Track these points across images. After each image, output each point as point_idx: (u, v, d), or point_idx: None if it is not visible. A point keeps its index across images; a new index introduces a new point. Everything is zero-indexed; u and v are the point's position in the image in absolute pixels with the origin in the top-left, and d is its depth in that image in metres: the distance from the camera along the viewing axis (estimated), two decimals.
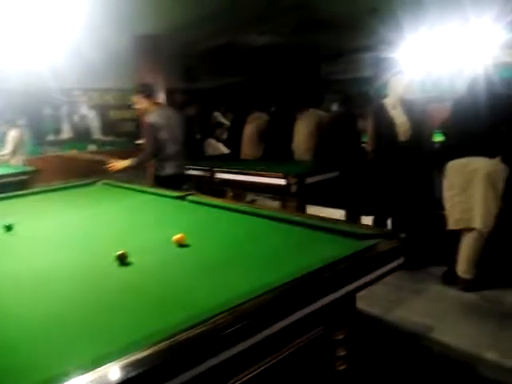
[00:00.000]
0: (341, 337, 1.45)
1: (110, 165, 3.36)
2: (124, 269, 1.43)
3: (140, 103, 3.49)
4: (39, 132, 7.24)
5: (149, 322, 1.04)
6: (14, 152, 5.86)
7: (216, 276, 1.33)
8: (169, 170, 3.49)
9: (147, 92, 3.53)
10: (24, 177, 4.21)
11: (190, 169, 4.22)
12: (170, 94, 6.43)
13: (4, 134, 6.31)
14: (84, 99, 7.65)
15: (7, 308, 1.19)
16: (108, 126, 7.91)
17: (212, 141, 5.96)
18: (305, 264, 1.30)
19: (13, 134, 5.91)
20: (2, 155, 5.75)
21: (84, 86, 7.62)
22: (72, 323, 1.08)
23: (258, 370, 1.13)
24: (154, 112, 3.47)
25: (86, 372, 0.81)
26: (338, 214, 3.98)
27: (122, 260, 1.45)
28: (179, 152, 3.55)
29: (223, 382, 1.02)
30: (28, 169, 4.70)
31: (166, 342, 0.89)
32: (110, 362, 0.84)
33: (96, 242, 1.81)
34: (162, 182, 3.42)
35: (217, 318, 1.01)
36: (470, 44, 5.34)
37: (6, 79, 6.23)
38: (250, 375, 1.10)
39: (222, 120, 6.58)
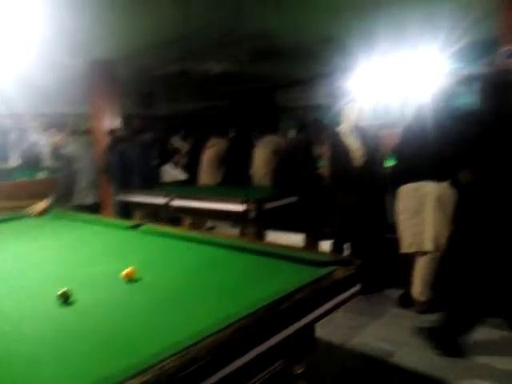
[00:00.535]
0: (300, 370, 1.40)
1: (30, 211, 3.17)
2: (66, 309, 1.31)
3: (54, 137, 3.55)
4: None
5: (90, 369, 0.94)
6: None
7: (166, 313, 1.25)
8: (92, 198, 3.59)
9: (57, 125, 3.59)
10: None
11: (145, 196, 4.09)
12: (126, 119, 6.30)
13: None
14: (35, 125, 7.35)
15: None
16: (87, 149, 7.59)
17: (168, 167, 5.86)
18: (262, 295, 1.26)
19: None
20: None
21: (35, 111, 7.32)
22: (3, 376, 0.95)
23: None
24: (70, 143, 3.55)
25: None
26: (297, 238, 3.97)
27: (64, 299, 1.33)
28: (95, 181, 3.72)
29: None
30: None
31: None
32: None
33: (36, 282, 1.64)
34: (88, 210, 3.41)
35: (166, 362, 0.93)
36: (418, 72, 5.68)
37: None
38: None
39: (179, 146, 6.52)
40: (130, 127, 6.26)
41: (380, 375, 2.33)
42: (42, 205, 3.22)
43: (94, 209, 3.55)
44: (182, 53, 5.80)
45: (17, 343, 1.11)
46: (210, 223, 5.34)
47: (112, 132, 5.77)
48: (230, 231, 4.69)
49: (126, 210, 4.48)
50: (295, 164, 4.02)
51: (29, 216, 3.11)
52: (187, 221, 4.52)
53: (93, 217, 2.92)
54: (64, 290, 1.35)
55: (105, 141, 5.62)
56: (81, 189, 3.53)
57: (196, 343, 1.00)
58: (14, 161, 6.91)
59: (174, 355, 0.95)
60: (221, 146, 5.62)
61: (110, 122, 5.98)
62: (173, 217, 4.03)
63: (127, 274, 1.52)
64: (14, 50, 4.60)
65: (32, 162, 6.64)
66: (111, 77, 6.04)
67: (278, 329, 1.18)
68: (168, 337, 1.05)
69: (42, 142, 7.13)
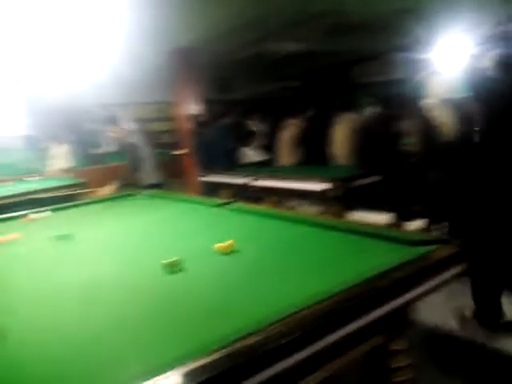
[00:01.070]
0: (397, 348, 1.38)
1: (100, 193, 3.62)
2: (172, 277, 1.42)
3: (117, 133, 4.15)
4: (82, 146, 7.54)
5: (201, 330, 1.02)
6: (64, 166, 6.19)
7: (267, 284, 1.30)
8: (156, 179, 4.10)
9: (118, 122, 4.21)
10: (72, 189, 4.38)
11: (228, 177, 4.24)
12: (207, 104, 6.54)
13: (47, 150, 6.65)
14: (124, 113, 7.94)
15: (57, 319, 1.20)
16: (149, 139, 8.14)
17: (247, 149, 5.98)
18: (359, 271, 1.25)
19: (62, 150, 6.23)
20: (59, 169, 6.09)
21: (123, 100, 7.89)
22: (123, 334, 1.06)
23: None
24: (134, 134, 4.17)
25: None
26: (383, 217, 3.84)
27: (170, 269, 1.45)
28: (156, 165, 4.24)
29: None
30: (76, 181, 4.88)
31: (223, 351, 0.87)
32: (164, 372, 0.82)
33: (143, 252, 1.82)
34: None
35: (271, 327, 0.98)
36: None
37: (48, 97, 6.52)
38: None
39: (256, 128, 6.61)
40: (211, 112, 6.49)
41: (482, 359, 2.20)
42: (110, 187, 3.64)
43: (159, 188, 3.91)
44: (257, 35, 5.82)
45: (131, 306, 1.24)
46: (288, 204, 5.38)
47: (195, 118, 6.05)
48: (310, 211, 4.68)
49: (210, 191, 4.70)
50: (378, 141, 3.87)
51: (125, 196, 3.42)
52: (268, 201, 4.60)
53: (183, 195, 3.10)
54: (171, 260, 1.47)
55: (188, 126, 5.89)
56: (146, 171, 4.04)
57: (297, 312, 1.04)
58: (105, 147, 7.56)
59: (277, 321, 0.99)
60: (298, 126, 5.60)
61: (192, 108, 6.25)
62: (254, 197, 4.12)
63: (225, 248, 1.60)
64: (101, 44, 4.97)
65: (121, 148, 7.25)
66: (191, 64, 6.27)
67: (378, 304, 1.17)
68: (271, 305, 1.09)
69: (134, 129, 7.72)
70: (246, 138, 6.30)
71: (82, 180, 4.81)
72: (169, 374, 0.82)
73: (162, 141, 8.67)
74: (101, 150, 7.47)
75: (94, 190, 3.91)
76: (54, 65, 5.33)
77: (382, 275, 1.24)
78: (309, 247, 1.66)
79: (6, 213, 3.02)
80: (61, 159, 6.40)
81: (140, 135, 4.25)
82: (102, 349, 1.00)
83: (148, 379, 0.80)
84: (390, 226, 3.27)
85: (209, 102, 6.73)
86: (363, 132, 4.33)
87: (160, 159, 4.50)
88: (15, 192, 4.30)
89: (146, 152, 4.16)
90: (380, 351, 1.34)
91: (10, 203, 3.88)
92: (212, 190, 4.69)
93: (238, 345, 0.90)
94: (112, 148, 7.59)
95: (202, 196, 3.56)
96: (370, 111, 5.67)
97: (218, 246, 1.61)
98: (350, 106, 5.50)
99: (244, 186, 4.00)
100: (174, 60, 6.25)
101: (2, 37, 4.44)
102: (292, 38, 6.29)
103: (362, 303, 1.14)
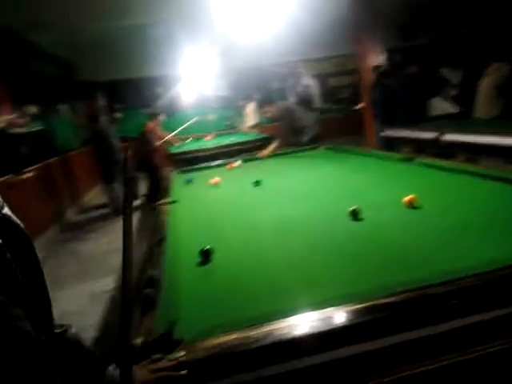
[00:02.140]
0: None
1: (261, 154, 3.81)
2: (357, 223, 1.50)
3: (269, 111, 4.38)
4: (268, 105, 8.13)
5: (387, 273, 1.07)
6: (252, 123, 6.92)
7: (454, 241, 1.24)
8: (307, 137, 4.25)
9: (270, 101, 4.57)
10: (260, 142, 4.88)
11: (412, 131, 3.98)
12: (389, 53, 6.13)
13: (241, 109, 7.44)
14: (305, 70, 8.17)
15: (262, 245, 1.43)
16: (327, 94, 8.25)
17: (437, 100, 5.41)
18: None
19: (250, 108, 6.93)
20: (249, 126, 6.88)
21: (305, 56, 8.07)
22: (311, 264, 1.20)
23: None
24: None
25: (338, 307, 0.88)
26: None
27: (355, 215, 1.52)
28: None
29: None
30: (263, 136, 5.42)
31: (412, 293, 0.90)
32: (352, 304, 0.88)
33: (328, 199, 1.95)
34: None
35: (462, 281, 0.95)
36: None
37: (239, 57, 7.12)
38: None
39: (449, 76, 5.89)
40: (392, 62, 6.07)
41: None
42: (270, 147, 3.84)
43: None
44: None
45: (318, 242, 1.37)
46: (483, 161, 4.74)
47: (376, 68, 5.76)
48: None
49: (388, 146, 4.51)
50: None
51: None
52: (457, 158, 4.15)
53: (364, 150, 3.10)
54: (354, 207, 1.54)
55: (369, 79, 5.68)
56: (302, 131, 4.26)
57: (490, 272, 0.97)
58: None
59: (469, 277, 0.96)
60: (502, 73, 4.74)
61: (374, 58, 5.96)
62: (441, 153, 3.78)
63: (409, 201, 1.58)
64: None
65: (305, 103, 7.49)
66: (373, 12, 5.91)
67: None
68: (460, 260, 1.06)
69: (313, 84, 7.90)
70: (433, 88, 5.70)
71: (266, 135, 5.31)
72: (350, 307, 0.88)
73: (342, 96, 8.63)
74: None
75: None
76: (245, 26, 5.74)
77: None
78: (497, 207, 1.49)
79: (209, 162, 3.68)
80: (250, 117, 7.11)
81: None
82: (294, 271, 1.16)
83: (339, 304, 0.90)
84: None
85: (390, 52, 6.29)
86: None
87: (338, 115, 4.54)
88: (216, 145, 5.13)
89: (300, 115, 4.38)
90: None
91: (212, 154, 4.65)
92: (392, 145, 4.49)
93: (430, 291, 0.91)
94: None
95: (382, 151, 3.46)
96: None
97: (405, 199, 1.59)
98: None
99: (429, 141, 3.70)
100: (356, 9, 5.98)
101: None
102: None
103: None
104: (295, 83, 7.84)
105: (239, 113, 7.83)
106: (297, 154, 3.60)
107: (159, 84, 8.05)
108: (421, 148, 3.90)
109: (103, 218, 5.10)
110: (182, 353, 0.74)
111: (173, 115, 7.64)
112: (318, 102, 7.86)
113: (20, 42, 4.89)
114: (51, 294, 0.63)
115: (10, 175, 3.86)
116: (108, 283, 3.00)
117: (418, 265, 1.11)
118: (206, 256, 1.32)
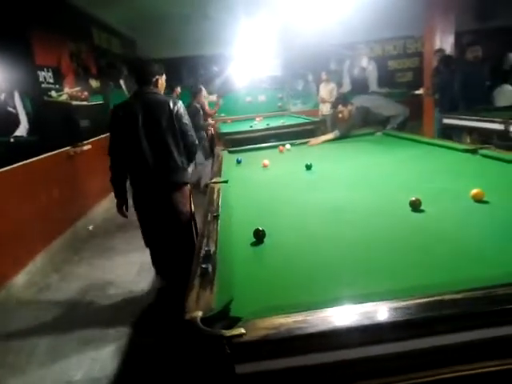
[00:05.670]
0: None
1: (311, 143, 3.52)
2: (418, 215, 1.43)
3: (342, 112, 3.85)
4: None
5: (453, 268, 1.02)
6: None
7: None
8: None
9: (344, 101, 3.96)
10: (313, 126, 4.81)
11: (477, 120, 3.74)
12: (457, 36, 5.73)
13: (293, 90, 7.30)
14: (365, 51, 7.85)
15: (317, 231, 1.41)
16: (386, 77, 7.89)
17: (506, 88, 5.01)
18: None
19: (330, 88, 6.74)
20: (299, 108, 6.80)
21: (366, 37, 7.74)
22: (369, 254, 1.16)
23: None
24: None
25: (384, 301, 0.85)
26: None
27: (416, 206, 1.46)
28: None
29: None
30: (313, 119, 5.34)
31: (481, 291, 0.85)
32: (414, 298, 0.85)
33: (386, 186, 1.88)
34: None
35: None
36: None
37: (297, 35, 6.92)
38: None
39: None
40: (460, 45, 5.68)
41: None
42: (323, 137, 3.60)
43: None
44: None
45: (375, 230, 1.32)
46: None
47: (438, 51, 5.41)
48: None
49: (448, 135, 4.26)
50: None
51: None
52: None
53: (425, 137, 2.96)
54: (415, 198, 1.47)
55: (434, 63, 5.36)
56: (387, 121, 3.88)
57: None
58: (345, 87, 7.68)
59: None
60: None
61: (442, 41, 5.59)
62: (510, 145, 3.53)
63: (476, 195, 1.49)
64: None
65: (361, 87, 7.23)
66: None
67: None
68: None
69: (371, 67, 7.59)
70: (506, 74, 5.28)
71: (316, 118, 5.22)
72: (407, 302, 0.84)
73: (402, 80, 8.22)
74: (342, 90, 7.53)
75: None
76: (308, 4, 5.55)
77: None
78: None
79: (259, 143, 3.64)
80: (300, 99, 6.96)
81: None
82: (349, 261, 1.13)
83: (396, 298, 0.86)
84: None
85: (458, 34, 5.87)
86: None
87: (396, 99, 4.30)
88: (267, 127, 5.09)
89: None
90: None
91: (262, 136, 4.62)
92: (452, 133, 4.23)
93: (500, 291, 0.85)
94: (350, 88, 7.74)
95: (443, 139, 3.26)
96: None
97: (472, 192, 1.50)
98: None
99: (496, 132, 3.45)
100: None
101: None
102: None
103: None
104: (352, 65, 7.59)
105: (291, 95, 7.71)
106: (352, 139, 3.50)
107: (215, 62, 8.06)
108: (485, 139, 3.66)
109: None
110: (242, 330, 0.75)
111: (226, 96, 7.66)
112: (374, 86, 7.58)
113: (86, 18, 5.07)
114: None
115: (70, 147, 4.06)
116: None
117: (487, 262, 1.04)
118: (258, 237, 1.32)
